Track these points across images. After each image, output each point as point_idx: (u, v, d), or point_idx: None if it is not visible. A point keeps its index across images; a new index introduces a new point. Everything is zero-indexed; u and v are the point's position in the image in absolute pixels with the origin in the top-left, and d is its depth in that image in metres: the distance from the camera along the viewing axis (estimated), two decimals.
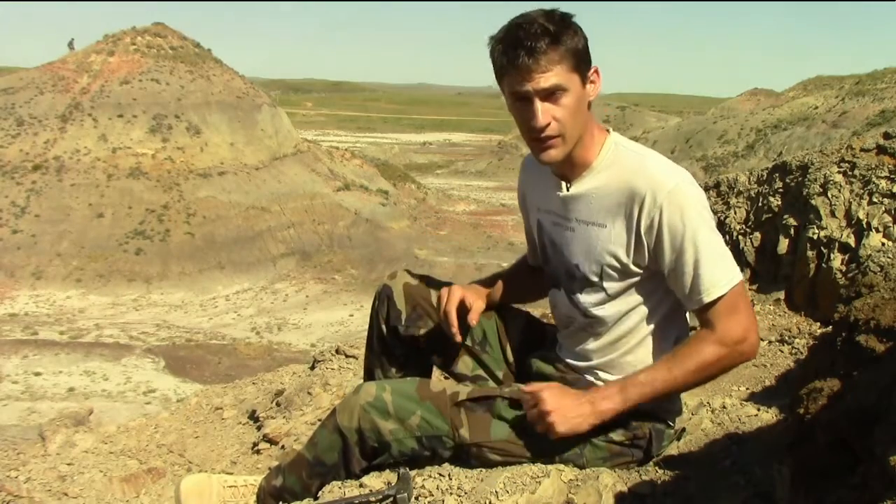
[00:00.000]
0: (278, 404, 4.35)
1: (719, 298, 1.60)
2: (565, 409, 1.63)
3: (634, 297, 1.71)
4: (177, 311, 59.91)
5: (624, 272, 1.68)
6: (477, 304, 1.89)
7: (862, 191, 3.93)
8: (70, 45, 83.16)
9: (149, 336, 53.33)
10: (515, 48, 1.54)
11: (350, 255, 70.98)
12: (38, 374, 45.51)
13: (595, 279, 1.71)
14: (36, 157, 68.96)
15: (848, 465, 1.31)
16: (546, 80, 1.54)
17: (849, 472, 1.28)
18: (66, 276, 61.83)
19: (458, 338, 1.86)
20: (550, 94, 1.56)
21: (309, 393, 4.24)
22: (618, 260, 1.66)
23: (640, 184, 1.61)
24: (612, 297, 1.71)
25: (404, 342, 1.95)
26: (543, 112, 1.57)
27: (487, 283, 2.03)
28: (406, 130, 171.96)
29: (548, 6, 1.60)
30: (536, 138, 1.61)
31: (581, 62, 1.57)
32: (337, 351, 4.80)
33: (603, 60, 1.64)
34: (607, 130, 1.71)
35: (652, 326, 1.73)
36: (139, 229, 66.08)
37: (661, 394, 1.65)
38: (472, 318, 1.87)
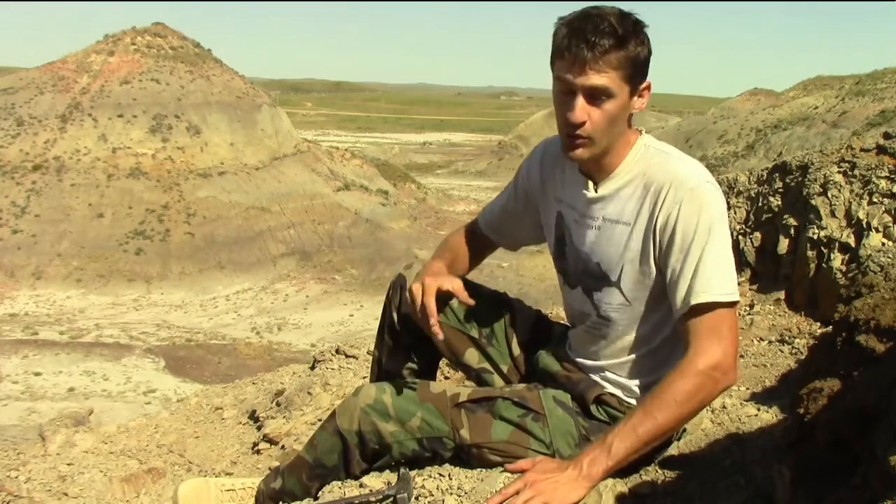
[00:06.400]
0: (278, 404, 4.35)
1: (706, 308, 1.53)
2: (556, 478, 1.55)
3: (651, 302, 1.66)
4: (177, 311, 59.88)
5: (642, 273, 1.64)
6: (456, 285, 1.81)
7: (862, 191, 3.93)
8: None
9: (149, 336, 53.32)
10: (578, 37, 1.49)
11: (350, 255, 70.95)
12: (38, 374, 45.50)
13: (614, 278, 1.67)
14: (36, 157, 68.92)
15: (848, 465, 1.31)
16: (598, 78, 1.50)
17: (849, 472, 1.28)
18: (66, 276, 61.82)
19: (440, 335, 1.77)
20: (596, 95, 1.52)
21: (309, 393, 4.24)
22: (637, 259, 1.63)
23: (663, 179, 1.58)
24: (628, 299, 1.67)
25: (413, 332, 1.93)
26: (581, 108, 1.53)
27: (447, 260, 1.97)
28: (406, 130, 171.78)
29: (617, 6, 1.56)
30: (569, 133, 1.58)
31: (637, 73, 1.54)
32: (337, 351, 4.80)
33: None
34: (640, 131, 1.68)
35: (666, 335, 1.69)
36: (139, 229, 66.05)
37: (649, 438, 1.54)
38: (466, 300, 1.81)
